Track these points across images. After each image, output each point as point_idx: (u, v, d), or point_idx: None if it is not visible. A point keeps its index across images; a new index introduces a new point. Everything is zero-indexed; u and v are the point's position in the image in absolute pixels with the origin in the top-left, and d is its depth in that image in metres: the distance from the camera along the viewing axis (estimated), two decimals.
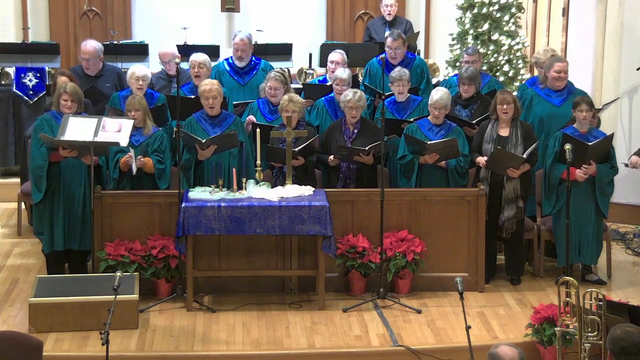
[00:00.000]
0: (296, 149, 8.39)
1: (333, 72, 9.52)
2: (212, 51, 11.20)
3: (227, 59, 9.82)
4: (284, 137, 8.38)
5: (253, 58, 9.81)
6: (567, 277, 6.78)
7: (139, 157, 8.33)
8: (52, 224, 8.30)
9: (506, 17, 11.08)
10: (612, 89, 10.41)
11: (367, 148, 8.46)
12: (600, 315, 6.36)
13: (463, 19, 11.22)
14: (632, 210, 10.27)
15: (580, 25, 10.74)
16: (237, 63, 9.70)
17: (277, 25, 12.48)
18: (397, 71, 9.15)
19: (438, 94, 8.64)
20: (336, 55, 9.70)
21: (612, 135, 8.63)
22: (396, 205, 8.41)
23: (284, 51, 11.36)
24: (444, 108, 8.63)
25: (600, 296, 6.38)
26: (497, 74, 11.07)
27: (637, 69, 10.14)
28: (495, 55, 11.07)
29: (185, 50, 10.99)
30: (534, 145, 8.48)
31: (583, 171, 8.39)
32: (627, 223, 10.17)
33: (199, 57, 9.31)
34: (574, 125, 8.56)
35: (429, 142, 8.48)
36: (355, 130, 8.71)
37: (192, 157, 8.51)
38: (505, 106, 8.52)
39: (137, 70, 9.01)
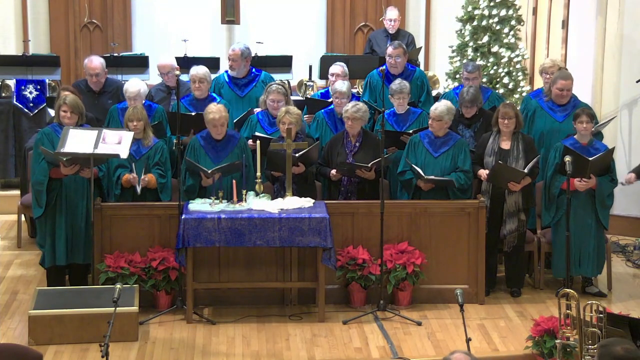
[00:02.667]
0: (296, 154, 8.37)
1: (335, 84, 9.53)
2: (212, 63, 11.21)
3: (226, 71, 9.83)
4: (283, 148, 8.38)
5: (253, 70, 9.81)
6: (568, 290, 6.77)
7: (142, 177, 8.32)
8: (53, 238, 8.29)
9: (506, 30, 11.11)
10: (612, 101, 10.42)
11: (369, 165, 8.46)
12: (600, 328, 6.35)
13: (463, 32, 11.25)
14: (633, 223, 10.27)
15: (580, 37, 10.75)
16: (230, 74, 9.70)
17: (277, 37, 12.49)
18: (398, 83, 9.16)
19: (438, 107, 8.60)
20: (337, 68, 9.71)
21: (612, 149, 8.64)
22: (396, 217, 8.41)
23: (283, 63, 11.37)
24: (441, 120, 8.60)
25: (600, 309, 6.37)
26: (497, 86, 11.08)
27: (637, 82, 10.15)
28: (495, 67, 11.09)
29: (186, 63, 11.01)
30: (535, 159, 8.48)
31: (583, 183, 8.39)
32: (627, 235, 10.16)
33: (199, 71, 9.27)
34: (575, 137, 8.57)
35: (425, 177, 8.44)
36: (357, 144, 8.71)
37: (196, 183, 8.43)
38: (506, 120, 8.52)
39: (130, 87, 8.97)
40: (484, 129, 9.00)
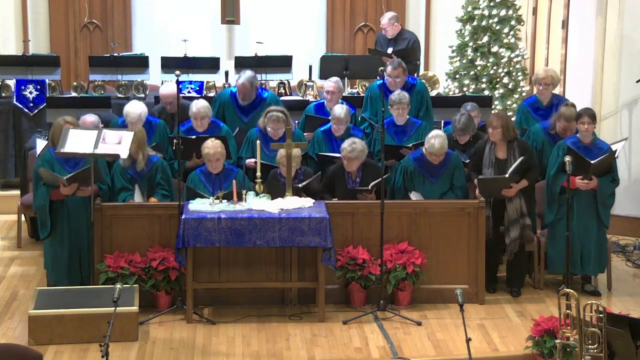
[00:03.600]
0: (300, 185, 8.39)
1: (330, 101, 9.50)
2: (212, 63, 11.22)
3: (232, 92, 9.64)
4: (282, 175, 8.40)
5: (259, 92, 9.62)
6: (568, 289, 6.77)
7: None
8: (55, 261, 8.36)
9: (506, 30, 11.11)
10: (612, 101, 10.42)
11: (369, 187, 8.46)
12: (600, 328, 6.35)
13: (463, 32, 11.25)
14: (632, 223, 10.27)
15: (580, 37, 10.75)
16: (241, 104, 9.57)
17: (277, 37, 12.50)
18: (397, 94, 9.16)
19: (438, 143, 8.48)
20: (330, 85, 9.59)
21: (614, 152, 8.63)
22: (396, 217, 8.41)
23: (283, 63, 11.37)
24: (442, 155, 8.58)
25: (600, 308, 6.37)
26: (497, 86, 11.09)
27: (637, 81, 10.15)
28: (495, 67, 11.10)
29: (186, 63, 11.01)
30: (517, 162, 8.46)
31: (584, 183, 8.41)
32: (627, 235, 10.16)
33: (200, 109, 9.05)
34: (578, 136, 8.57)
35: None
36: (357, 179, 8.66)
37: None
38: (491, 129, 8.56)
39: (132, 111, 8.92)
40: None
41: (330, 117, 9.22)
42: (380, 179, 8.27)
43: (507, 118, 8.66)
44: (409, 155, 8.80)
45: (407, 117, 9.21)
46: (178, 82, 8.31)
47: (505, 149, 8.58)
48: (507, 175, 8.40)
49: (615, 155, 8.84)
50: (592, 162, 8.33)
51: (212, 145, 8.46)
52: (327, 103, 9.52)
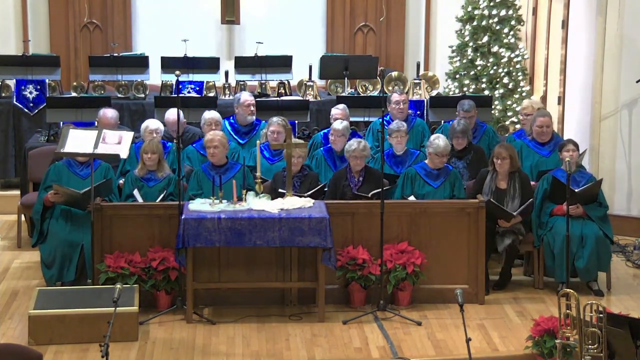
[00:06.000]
0: (305, 195, 8.40)
1: (335, 143, 9.54)
2: (212, 63, 11.22)
3: (227, 119, 9.86)
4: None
5: (254, 120, 9.91)
6: (568, 290, 6.78)
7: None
8: (55, 260, 8.44)
9: (506, 30, 11.12)
10: (612, 101, 10.42)
11: (369, 195, 8.49)
12: (600, 328, 6.36)
13: (463, 32, 11.26)
14: (633, 223, 10.27)
15: (580, 37, 10.76)
16: (248, 119, 9.78)
17: (277, 37, 12.49)
18: (396, 123, 9.28)
19: (442, 142, 8.68)
20: (337, 112, 9.79)
21: (600, 181, 8.71)
22: (396, 217, 8.41)
23: (283, 63, 11.38)
24: (445, 156, 8.72)
25: (600, 309, 6.38)
26: (497, 86, 11.09)
27: (637, 81, 10.15)
28: (495, 67, 11.10)
29: (186, 63, 11.01)
30: (528, 202, 8.57)
31: (572, 208, 8.49)
32: (627, 235, 10.16)
33: (214, 115, 9.42)
34: (562, 167, 8.65)
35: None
36: (361, 178, 8.73)
37: None
38: (499, 161, 8.63)
39: (151, 124, 9.22)
40: (476, 161, 9.16)
41: (330, 132, 9.35)
42: (379, 190, 8.29)
43: (514, 149, 8.80)
44: (413, 166, 8.93)
45: (406, 147, 9.26)
46: (178, 82, 8.33)
47: (506, 180, 8.69)
48: (514, 214, 8.51)
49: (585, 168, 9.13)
50: (576, 190, 8.45)
51: (213, 133, 8.76)
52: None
